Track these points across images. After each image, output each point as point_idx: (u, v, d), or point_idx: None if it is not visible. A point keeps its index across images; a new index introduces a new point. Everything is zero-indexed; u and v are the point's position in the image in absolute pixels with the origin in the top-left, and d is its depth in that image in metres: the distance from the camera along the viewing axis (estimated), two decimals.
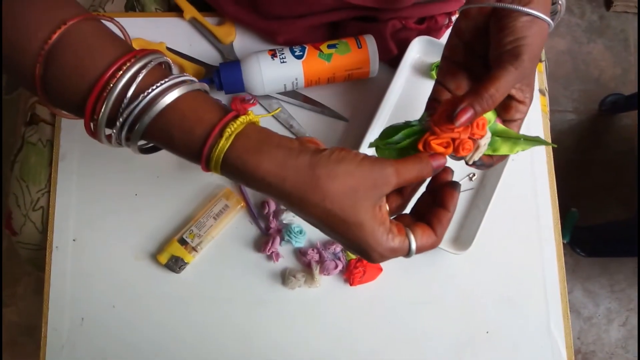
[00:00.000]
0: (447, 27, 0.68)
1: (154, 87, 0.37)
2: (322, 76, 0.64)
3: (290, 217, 0.63)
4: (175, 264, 0.62)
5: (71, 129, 0.66)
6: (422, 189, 0.45)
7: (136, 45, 0.66)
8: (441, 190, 0.42)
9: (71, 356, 0.62)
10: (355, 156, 0.38)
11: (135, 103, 0.37)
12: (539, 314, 0.63)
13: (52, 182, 0.65)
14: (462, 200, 0.65)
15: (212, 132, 0.37)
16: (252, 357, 0.62)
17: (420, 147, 0.41)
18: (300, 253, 0.64)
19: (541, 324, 0.63)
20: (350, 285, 0.63)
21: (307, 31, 0.67)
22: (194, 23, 0.69)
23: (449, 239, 0.64)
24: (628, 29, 1.63)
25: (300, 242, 0.63)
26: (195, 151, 0.38)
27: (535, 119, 0.68)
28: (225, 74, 0.63)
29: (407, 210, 0.45)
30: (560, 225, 0.66)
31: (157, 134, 0.39)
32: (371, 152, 0.66)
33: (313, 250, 0.63)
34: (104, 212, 0.64)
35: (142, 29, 0.68)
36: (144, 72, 0.38)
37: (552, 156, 0.68)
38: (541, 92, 0.70)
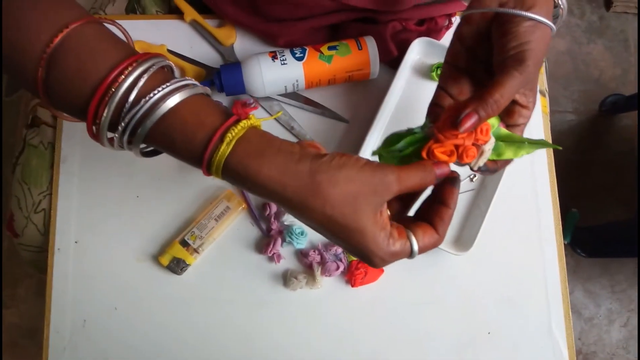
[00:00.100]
0: (447, 28, 0.69)
1: (156, 91, 0.37)
2: (323, 78, 0.64)
3: (291, 219, 0.63)
4: (177, 266, 0.62)
5: (72, 132, 0.66)
6: (424, 194, 0.44)
7: (137, 48, 0.66)
8: (441, 187, 0.41)
9: (73, 358, 0.62)
10: (356, 162, 0.38)
11: (137, 107, 0.37)
12: (540, 315, 0.64)
13: (53, 184, 0.65)
14: (463, 201, 0.66)
15: (213, 136, 0.37)
16: (254, 359, 0.62)
17: (424, 155, 0.41)
18: (301, 254, 0.64)
19: (542, 325, 0.63)
20: (352, 286, 0.63)
21: (308, 33, 0.67)
22: (195, 25, 0.69)
23: (451, 240, 0.64)
24: (628, 30, 1.63)
25: (302, 244, 0.63)
26: (197, 156, 0.38)
27: (536, 120, 0.68)
28: (226, 76, 0.63)
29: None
30: (561, 226, 0.66)
31: (158, 138, 0.39)
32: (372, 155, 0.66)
33: (314, 251, 0.63)
34: (106, 214, 0.65)
35: (142, 31, 0.68)
36: (145, 76, 0.38)
37: (552, 157, 0.68)
38: (541, 92, 0.70)
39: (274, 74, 0.63)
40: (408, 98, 0.68)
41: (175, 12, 0.71)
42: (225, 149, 0.37)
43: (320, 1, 0.61)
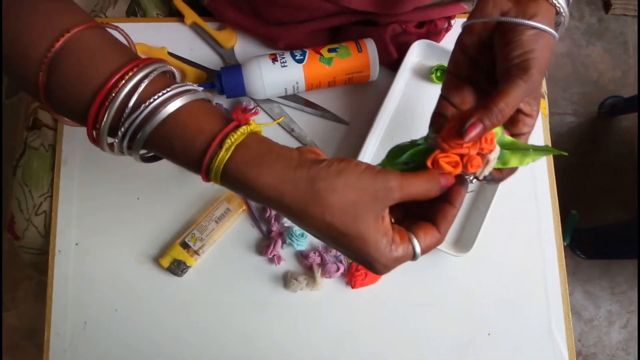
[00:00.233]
0: (447, 30, 0.69)
1: (156, 96, 0.37)
2: (323, 80, 0.65)
3: None
4: (178, 268, 0.62)
5: (73, 134, 0.67)
6: None
7: (138, 51, 0.67)
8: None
9: None
10: (355, 167, 0.37)
11: (137, 113, 0.37)
12: (540, 316, 0.64)
13: (54, 186, 0.65)
14: (463, 202, 0.66)
15: (212, 142, 0.37)
16: None
17: (429, 164, 0.40)
18: (301, 256, 0.64)
19: (542, 326, 0.63)
20: (352, 287, 0.63)
21: (308, 36, 0.67)
22: (195, 28, 0.69)
23: (451, 241, 0.64)
24: (627, 32, 1.63)
25: (302, 245, 0.64)
26: (196, 162, 0.38)
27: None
28: (226, 79, 0.63)
29: None
30: (560, 227, 0.66)
31: (158, 143, 0.39)
32: (366, 157, 0.66)
33: (315, 253, 0.63)
34: (106, 216, 0.65)
35: (143, 34, 0.68)
36: (146, 81, 0.37)
37: (552, 158, 0.68)
38: (541, 95, 0.70)
39: (274, 76, 0.63)
40: (408, 100, 0.68)
41: (175, 14, 0.71)
42: (224, 155, 0.37)
43: (321, 4, 0.61)
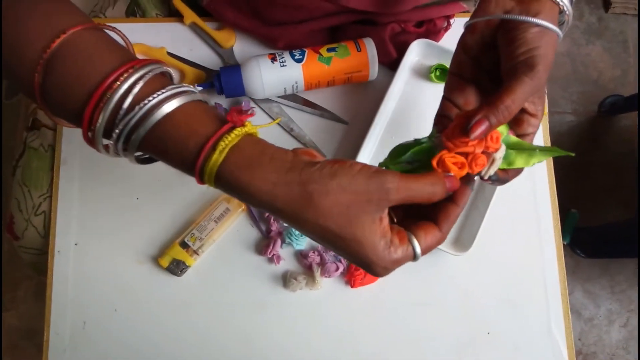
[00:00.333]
0: (446, 30, 0.69)
1: (151, 98, 0.37)
2: (322, 79, 0.65)
3: None
4: (177, 267, 0.62)
5: (73, 134, 0.67)
6: None
7: (137, 51, 0.67)
8: None
9: None
10: (350, 168, 0.36)
11: (132, 114, 0.37)
12: (540, 315, 0.64)
13: (53, 186, 0.65)
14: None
15: (205, 145, 0.36)
16: (254, 359, 0.62)
17: (434, 164, 0.39)
18: (301, 255, 0.64)
19: (542, 325, 0.63)
20: (352, 287, 0.63)
21: (307, 36, 0.67)
22: (194, 28, 0.69)
23: (450, 240, 0.64)
24: (627, 31, 1.63)
25: (301, 245, 0.64)
26: (189, 164, 0.38)
27: None
28: (225, 78, 0.63)
29: None
30: (560, 226, 0.66)
31: (153, 145, 0.38)
32: (365, 156, 0.66)
33: (314, 252, 0.63)
34: (106, 216, 0.65)
35: (142, 34, 0.68)
36: (141, 82, 0.37)
37: (551, 157, 0.68)
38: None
39: (273, 75, 0.63)
40: (407, 99, 0.68)
41: (175, 15, 0.71)
42: (217, 157, 0.36)
43: (320, 4, 0.61)
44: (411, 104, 0.68)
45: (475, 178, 0.42)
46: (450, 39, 0.69)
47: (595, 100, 1.56)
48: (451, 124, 0.39)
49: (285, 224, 0.64)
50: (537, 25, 0.39)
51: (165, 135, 0.37)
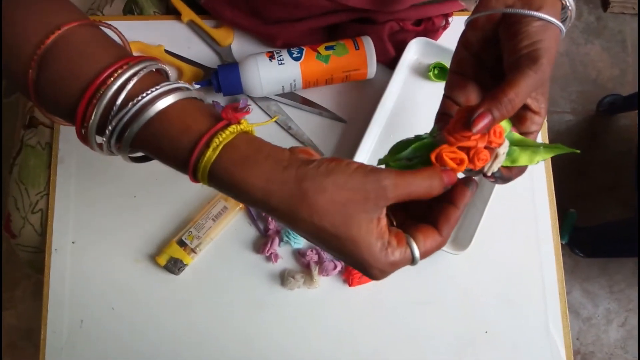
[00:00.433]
0: (444, 28, 0.69)
1: (144, 94, 0.36)
2: (320, 78, 0.64)
3: None
4: (174, 266, 0.62)
5: (70, 132, 0.66)
6: None
7: (135, 48, 0.67)
8: (452, 187, 0.39)
9: (71, 358, 0.62)
10: (346, 167, 0.35)
11: (125, 110, 0.36)
12: (538, 314, 0.64)
13: (51, 184, 0.65)
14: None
15: (199, 141, 0.36)
16: (252, 358, 0.62)
17: (433, 158, 0.38)
18: (299, 254, 0.64)
19: (540, 324, 0.63)
20: (349, 285, 0.63)
21: (306, 34, 0.67)
22: (192, 26, 0.69)
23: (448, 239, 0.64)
24: (625, 30, 1.63)
25: (299, 243, 0.64)
26: (183, 161, 0.37)
27: None
28: (223, 76, 0.63)
29: None
30: (558, 225, 0.66)
31: (146, 142, 0.38)
32: (363, 155, 0.66)
33: (312, 251, 0.63)
34: (103, 214, 0.65)
35: (140, 32, 0.68)
36: (135, 78, 0.37)
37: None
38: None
39: (271, 73, 0.63)
40: (405, 98, 0.68)
41: (172, 12, 0.71)
42: (211, 154, 0.35)
43: (318, 2, 0.61)
44: (409, 102, 0.68)
45: (477, 178, 0.41)
46: (449, 38, 0.69)
47: (594, 100, 1.57)
48: (453, 119, 0.38)
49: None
50: (540, 19, 0.39)
51: (159, 132, 0.37)
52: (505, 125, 0.40)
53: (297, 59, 0.63)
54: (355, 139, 0.65)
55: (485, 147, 0.38)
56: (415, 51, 0.68)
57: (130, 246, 0.64)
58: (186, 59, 0.68)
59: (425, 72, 0.68)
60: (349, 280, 0.63)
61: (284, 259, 0.64)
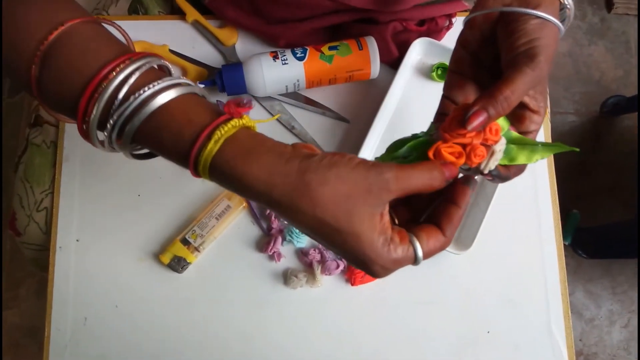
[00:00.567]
0: (448, 28, 0.69)
1: (146, 88, 0.36)
2: (324, 77, 0.65)
3: None
4: (178, 264, 0.62)
5: (75, 131, 0.67)
6: None
7: (139, 48, 0.67)
8: (452, 186, 0.39)
9: (74, 355, 0.62)
10: (349, 160, 0.35)
11: (127, 104, 0.36)
12: (540, 314, 0.64)
13: (55, 183, 0.65)
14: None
15: (201, 134, 0.36)
16: (254, 356, 0.62)
17: (431, 155, 0.37)
18: (301, 253, 0.64)
19: (542, 324, 0.63)
20: (352, 285, 0.63)
21: (309, 34, 0.67)
22: (197, 26, 0.70)
23: None
24: (629, 31, 1.63)
25: (302, 242, 0.64)
26: (184, 154, 0.37)
27: None
28: (227, 76, 0.63)
29: None
30: (560, 226, 0.66)
31: (147, 137, 0.38)
32: (366, 155, 0.66)
33: (314, 250, 0.63)
34: (107, 212, 0.65)
35: (145, 32, 0.69)
36: (137, 73, 0.37)
37: (552, 157, 0.68)
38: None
39: (275, 73, 0.63)
40: (408, 98, 0.68)
41: (177, 12, 0.71)
42: (212, 147, 0.35)
43: (321, 2, 0.61)
44: (412, 102, 0.68)
45: (478, 178, 0.41)
46: (452, 38, 0.69)
47: (598, 101, 1.56)
48: (449, 116, 0.38)
49: (286, 222, 0.64)
50: (538, 17, 0.38)
51: (160, 126, 0.37)
52: (503, 124, 0.40)
53: (300, 59, 0.63)
54: (358, 138, 0.65)
55: (482, 144, 0.38)
56: (418, 51, 0.68)
57: (134, 244, 0.64)
58: (190, 59, 0.68)
59: (428, 72, 0.69)
60: (351, 280, 0.63)
61: (287, 258, 0.64)
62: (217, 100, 0.67)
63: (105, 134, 0.38)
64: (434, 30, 0.68)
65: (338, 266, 0.63)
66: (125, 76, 0.37)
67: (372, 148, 0.66)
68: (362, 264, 0.36)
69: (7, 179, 1.42)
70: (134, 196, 0.65)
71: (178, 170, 0.66)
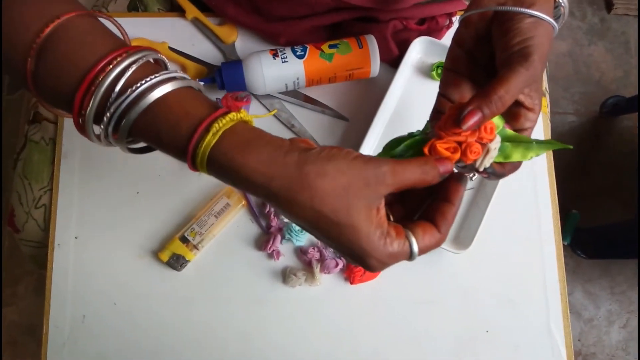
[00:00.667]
0: (448, 27, 0.69)
1: (143, 81, 0.36)
2: (324, 76, 0.65)
3: None
4: (177, 262, 0.62)
5: (74, 128, 0.66)
6: None
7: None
8: (445, 184, 0.39)
9: (72, 353, 0.62)
10: (347, 154, 0.36)
11: (123, 97, 0.36)
12: (539, 314, 0.64)
13: (54, 180, 0.65)
14: (462, 198, 0.66)
15: (199, 126, 0.36)
16: (253, 355, 0.62)
17: (426, 151, 0.38)
18: (300, 251, 0.64)
19: (541, 324, 0.63)
20: (351, 283, 0.63)
21: (309, 32, 0.67)
22: (196, 23, 0.69)
23: (450, 238, 0.64)
24: (629, 32, 1.63)
25: (301, 241, 0.64)
26: (182, 147, 0.37)
27: None
28: (227, 74, 0.63)
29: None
30: (560, 225, 0.66)
31: (144, 130, 0.38)
32: (366, 153, 0.66)
33: (314, 248, 0.63)
34: (106, 209, 0.65)
35: (144, 29, 0.68)
36: (134, 66, 0.37)
37: (552, 157, 0.68)
38: (542, 87, 0.70)
39: (274, 71, 0.63)
40: (408, 97, 0.68)
41: (177, 10, 0.71)
42: (210, 139, 0.35)
43: None
44: (412, 101, 0.68)
45: (473, 177, 0.41)
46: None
47: (597, 101, 1.56)
48: (444, 115, 0.38)
49: (285, 220, 0.64)
50: (532, 16, 0.39)
51: (158, 118, 0.37)
52: (497, 122, 0.40)
53: (300, 57, 0.63)
54: (358, 137, 0.65)
55: (477, 142, 0.38)
56: (418, 50, 0.68)
57: (132, 242, 0.64)
58: (190, 56, 0.68)
59: (428, 71, 0.69)
60: (350, 279, 0.63)
61: (286, 256, 0.64)
62: (216, 98, 0.67)
63: (102, 127, 0.38)
64: (434, 29, 0.68)
65: (337, 265, 0.63)
66: (122, 69, 0.37)
67: (371, 146, 0.65)
68: (358, 258, 0.36)
69: (6, 175, 1.41)
70: (133, 193, 0.65)
71: (177, 168, 0.66)
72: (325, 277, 0.64)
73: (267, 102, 0.68)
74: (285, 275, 0.63)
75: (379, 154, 0.42)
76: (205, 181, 0.65)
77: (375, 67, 0.65)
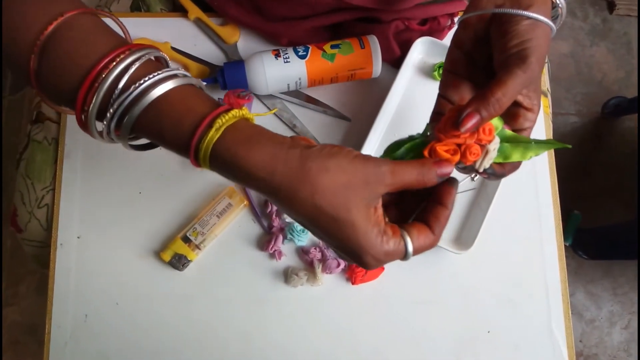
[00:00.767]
0: (450, 28, 0.69)
1: (147, 78, 0.37)
2: (325, 76, 0.65)
3: None
4: (179, 262, 0.62)
5: (76, 127, 0.66)
6: None
7: None
8: (438, 187, 0.40)
9: (74, 352, 0.62)
10: (348, 153, 0.36)
11: (126, 94, 0.37)
12: (541, 315, 0.64)
13: (57, 179, 0.65)
14: (464, 199, 0.66)
15: (202, 122, 0.36)
16: (254, 354, 0.62)
17: (426, 154, 0.39)
18: (302, 251, 0.64)
19: (542, 324, 0.63)
20: (352, 284, 0.63)
21: (311, 33, 0.67)
22: (199, 23, 0.70)
23: (451, 238, 0.64)
24: (631, 32, 1.63)
25: (303, 241, 0.64)
26: (185, 143, 0.37)
27: (538, 121, 0.68)
28: (229, 74, 0.63)
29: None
30: (561, 226, 0.66)
31: (147, 126, 0.38)
32: (367, 151, 0.66)
33: (315, 248, 0.63)
34: (108, 209, 0.65)
35: (147, 29, 0.69)
36: (137, 64, 0.37)
37: (553, 157, 0.68)
38: (543, 93, 0.70)
39: (276, 71, 0.63)
40: (410, 97, 0.68)
41: (179, 10, 0.71)
42: (213, 134, 0.36)
43: None
44: (414, 101, 0.68)
45: (475, 177, 0.42)
46: None
47: (599, 102, 1.56)
48: (443, 118, 0.39)
49: (287, 220, 0.64)
50: (529, 17, 0.39)
51: (160, 115, 0.37)
52: (496, 122, 0.41)
53: (302, 57, 0.63)
54: (360, 137, 0.65)
55: (476, 144, 0.39)
56: (420, 50, 0.68)
57: (135, 242, 0.64)
58: (192, 56, 0.68)
59: (430, 71, 0.69)
60: (352, 279, 0.63)
61: (288, 256, 0.64)
62: (218, 98, 0.67)
63: (105, 123, 0.39)
64: (436, 29, 0.68)
65: (339, 265, 0.63)
66: (125, 66, 0.37)
67: (373, 147, 0.66)
68: (354, 254, 0.37)
69: (9, 175, 1.42)
70: (135, 193, 0.65)
71: (179, 168, 0.66)
72: (327, 277, 0.64)
73: (269, 102, 0.68)
74: (286, 275, 0.63)
75: (380, 157, 0.42)
76: (207, 181, 0.65)
77: (377, 67, 0.65)
